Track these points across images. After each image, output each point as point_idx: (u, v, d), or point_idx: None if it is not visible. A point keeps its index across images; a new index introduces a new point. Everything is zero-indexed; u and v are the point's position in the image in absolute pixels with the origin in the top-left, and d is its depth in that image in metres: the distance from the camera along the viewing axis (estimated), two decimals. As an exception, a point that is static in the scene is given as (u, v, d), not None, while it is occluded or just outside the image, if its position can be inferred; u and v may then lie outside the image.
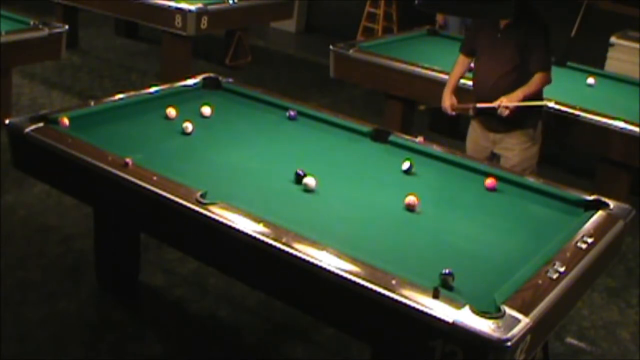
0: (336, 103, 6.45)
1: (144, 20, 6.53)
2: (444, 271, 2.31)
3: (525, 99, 3.76)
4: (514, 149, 3.91)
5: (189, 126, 3.43)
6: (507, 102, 3.74)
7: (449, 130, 6.03)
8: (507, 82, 3.82)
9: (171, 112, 3.59)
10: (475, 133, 4.11)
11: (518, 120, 3.86)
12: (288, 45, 8.71)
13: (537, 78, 3.78)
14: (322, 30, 9.05)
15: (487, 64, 3.93)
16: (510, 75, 3.82)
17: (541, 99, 3.94)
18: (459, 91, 4.85)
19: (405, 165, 3.23)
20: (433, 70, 4.91)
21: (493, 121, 3.91)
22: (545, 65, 3.80)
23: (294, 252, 2.40)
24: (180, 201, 2.68)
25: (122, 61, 7.31)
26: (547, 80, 3.84)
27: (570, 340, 3.60)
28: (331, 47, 5.29)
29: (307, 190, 2.98)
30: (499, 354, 2.05)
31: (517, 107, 3.76)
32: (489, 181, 3.15)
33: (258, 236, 2.48)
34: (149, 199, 2.78)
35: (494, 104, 3.78)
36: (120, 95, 3.78)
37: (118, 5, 6.55)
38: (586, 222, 2.80)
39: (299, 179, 3.01)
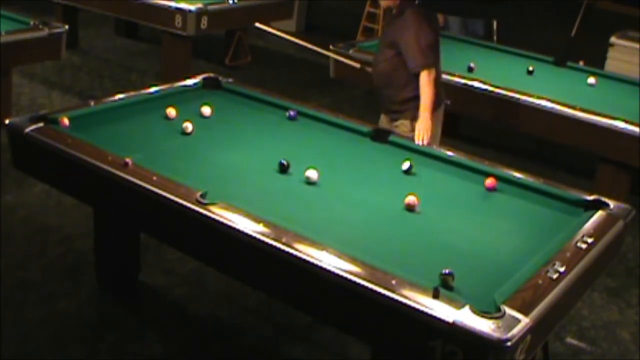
0: (336, 103, 6.45)
1: (144, 20, 6.53)
2: (444, 271, 2.31)
3: (430, 110, 3.78)
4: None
5: (189, 126, 3.43)
6: (424, 132, 3.72)
7: (449, 130, 6.04)
8: (383, 70, 3.97)
9: (171, 112, 3.59)
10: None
11: (402, 110, 3.93)
12: (288, 45, 8.69)
13: (421, 81, 3.78)
14: (322, 30, 9.04)
15: (379, 49, 4.11)
16: (386, 65, 3.95)
17: (438, 93, 3.94)
18: (461, 91, 4.89)
19: (405, 165, 3.23)
20: (433, 70, 4.90)
21: (384, 102, 4.06)
22: (418, 63, 3.78)
23: (294, 252, 2.40)
24: (180, 201, 2.68)
25: (122, 61, 7.31)
26: (429, 77, 3.78)
27: (570, 340, 3.60)
28: (331, 47, 5.29)
29: (309, 182, 2.99)
30: (499, 354, 2.05)
31: (405, 101, 3.88)
32: (489, 181, 3.15)
33: (258, 236, 2.48)
34: (149, 199, 2.78)
35: (417, 140, 3.71)
36: (120, 95, 3.77)
37: (118, 5, 6.55)
38: (586, 222, 2.80)
39: (282, 168, 3.06)
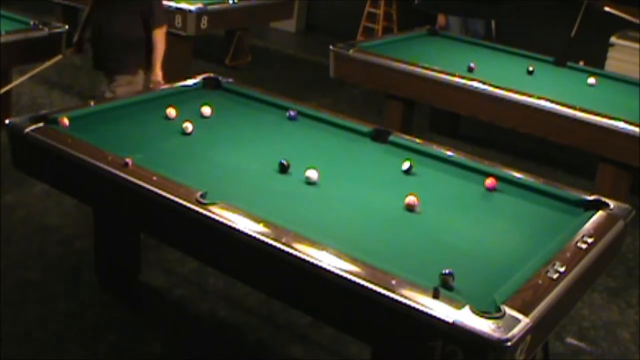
0: (336, 103, 6.45)
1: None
2: (444, 271, 2.31)
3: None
4: (115, 89, 4.36)
5: (189, 126, 3.43)
6: (158, 80, 4.32)
7: (449, 130, 6.05)
8: (124, 29, 4.34)
9: (171, 112, 3.59)
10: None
11: (123, 66, 4.37)
12: (288, 45, 8.71)
13: (159, 36, 4.35)
14: (322, 30, 9.05)
15: (113, 12, 4.40)
16: (127, 24, 4.35)
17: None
18: (459, 91, 4.88)
19: (405, 165, 3.23)
20: (433, 70, 4.91)
21: (103, 62, 4.45)
22: (163, 20, 4.40)
23: (294, 252, 2.40)
24: (180, 201, 2.67)
25: (122, 61, 7.29)
26: (165, 34, 4.40)
27: (570, 340, 3.60)
28: (331, 47, 5.29)
29: (309, 182, 2.99)
30: (499, 354, 2.05)
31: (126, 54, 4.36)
32: (489, 181, 3.15)
33: (258, 236, 2.48)
34: (149, 199, 2.78)
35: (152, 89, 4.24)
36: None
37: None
38: (586, 222, 2.79)
39: (283, 168, 3.06)
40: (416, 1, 6.97)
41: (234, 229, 2.53)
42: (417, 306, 2.16)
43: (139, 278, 3.67)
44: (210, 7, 6.15)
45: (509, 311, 2.15)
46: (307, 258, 2.37)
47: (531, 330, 2.13)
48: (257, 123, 3.69)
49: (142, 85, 4.44)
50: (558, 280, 2.36)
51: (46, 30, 5.01)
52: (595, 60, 6.05)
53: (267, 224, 2.53)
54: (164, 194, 2.73)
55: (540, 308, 2.21)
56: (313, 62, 7.92)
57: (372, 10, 8.48)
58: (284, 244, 2.43)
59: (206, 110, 3.67)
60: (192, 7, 6.00)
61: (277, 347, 3.38)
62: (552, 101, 4.46)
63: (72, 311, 3.45)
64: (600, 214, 2.87)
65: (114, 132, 3.36)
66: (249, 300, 3.62)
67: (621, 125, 4.21)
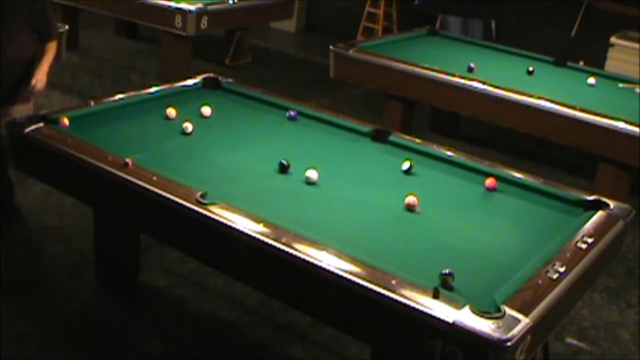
0: (336, 103, 6.45)
1: (144, 20, 6.53)
2: (444, 271, 2.31)
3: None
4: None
5: (189, 126, 3.43)
6: (43, 79, 3.84)
7: (449, 130, 6.05)
8: (25, 52, 3.82)
9: (171, 112, 3.59)
10: None
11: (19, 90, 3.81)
12: (288, 45, 8.71)
13: (52, 47, 3.91)
14: (322, 30, 9.05)
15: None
16: (28, 44, 3.83)
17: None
18: (459, 91, 4.87)
19: (405, 165, 3.23)
20: (433, 70, 4.91)
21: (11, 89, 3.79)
22: (56, 32, 3.97)
23: (294, 252, 2.40)
24: (180, 201, 2.68)
25: (122, 61, 7.31)
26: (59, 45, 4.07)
27: (570, 340, 3.60)
28: (331, 47, 5.29)
29: (309, 182, 3.00)
30: (499, 354, 2.05)
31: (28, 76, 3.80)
32: (489, 181, 3.15)
33: (258, 236, 2.48)
34: (149, 199, 2.78)
35: (33, 87, 3.78)
36: (120, 95, 3.77)
37: (118, 5, 6.55)
38: (586, 222, 2.80)
39: (283, 168, 3.07)
40: (416, 1, 6.98)
41: (234, 229, 2.54)
42: (417, 306, 2.16)
43: (139, 278, 3.67)
44: (210, 7, 6.14)
45: (509, 311, 2.15)
46: (307, 258, 2.37)
47: (531, 330, 2.13)
48: (257, 123, 3.69)
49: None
50: (558, 280, 2.36)
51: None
52: (595, 60, 6.06)
53: (267, 224, 2.53)
54: (164, 194, 2.73)
55: (540, 308, 2.21)
56: (313, 62, 7.92)
57: (372, 10, 8.47)
58: (284, 244, 2.43)
59: (206, 110, 3.67)
60: (192, 7, 6.00)
61: (277, 347, 3.38)
62: (552, 101, 4.46)
63: (72, 311, 3.45)
64: (600, 214, 2.87)
65: (113, 132, 3.36)
66: (249, 300, 3.62)
67: (621, 125, 4.21)
